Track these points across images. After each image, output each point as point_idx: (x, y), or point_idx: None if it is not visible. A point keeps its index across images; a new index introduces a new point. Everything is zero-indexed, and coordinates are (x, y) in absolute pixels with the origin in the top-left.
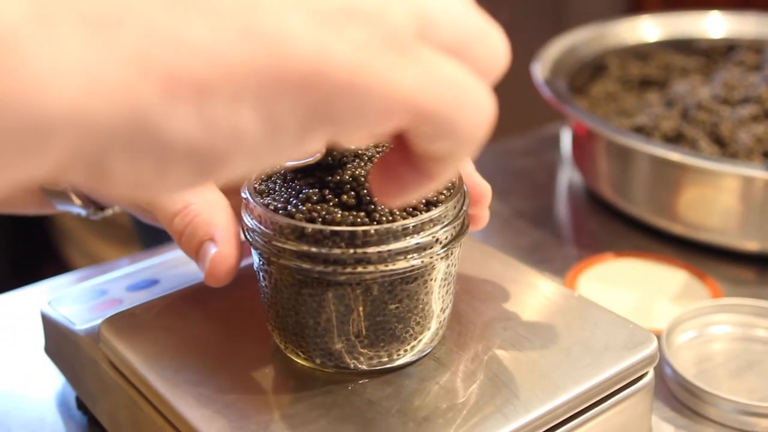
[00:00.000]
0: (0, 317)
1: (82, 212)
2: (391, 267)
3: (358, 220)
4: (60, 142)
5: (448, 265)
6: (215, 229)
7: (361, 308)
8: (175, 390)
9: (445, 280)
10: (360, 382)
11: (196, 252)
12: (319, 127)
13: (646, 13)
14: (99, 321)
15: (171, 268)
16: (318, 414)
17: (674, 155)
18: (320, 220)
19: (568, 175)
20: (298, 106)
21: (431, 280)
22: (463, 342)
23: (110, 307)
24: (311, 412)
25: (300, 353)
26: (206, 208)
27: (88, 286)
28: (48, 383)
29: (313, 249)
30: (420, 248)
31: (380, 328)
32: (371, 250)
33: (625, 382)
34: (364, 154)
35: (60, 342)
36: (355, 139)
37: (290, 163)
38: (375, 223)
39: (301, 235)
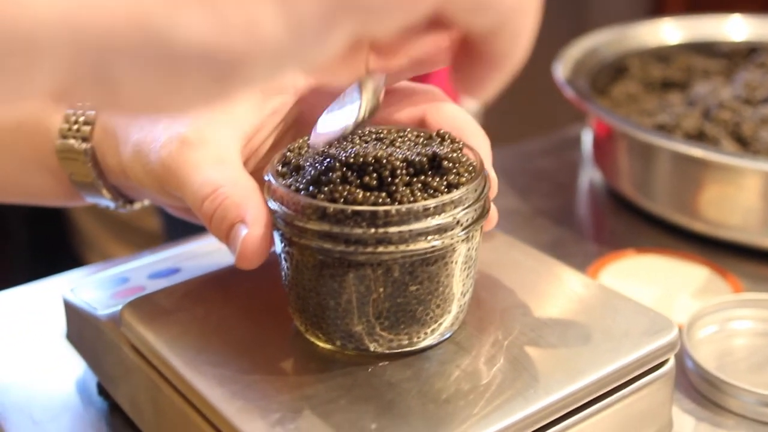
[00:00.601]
0: (21, 307)
1: (111, 204)
2: (411, 247)
3: (380, 200)
4: (52, 54)
5: (469, 248)
6: (246, 211)
7: (381, 289)
8: (195, 371)
9: (466, 263)
10: (380, 364)
11: (226, 235)
12: (344, 17)
13: (667, 16)
14: (121, 306)
15: (192, 257)
16: (338, 395)
17: (696, 152)
18: (342, 200)
19: (589, 175)
20: None
21: (452, 262)
22: (484, 327)
23: (132, 294)
24: (331, 393)
25: (320, 335)
26: (236, 191)
27: (110, 274)
28: (69, 370)
29: (335, 229)
30: (441, 229)
31: (401, 310)
32: (392, 230)
33: (646, 368)
34: (386, 137)
35: (82, 328)
36: (387, 29)
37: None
38: (396, 203)
39: (322, 215)
